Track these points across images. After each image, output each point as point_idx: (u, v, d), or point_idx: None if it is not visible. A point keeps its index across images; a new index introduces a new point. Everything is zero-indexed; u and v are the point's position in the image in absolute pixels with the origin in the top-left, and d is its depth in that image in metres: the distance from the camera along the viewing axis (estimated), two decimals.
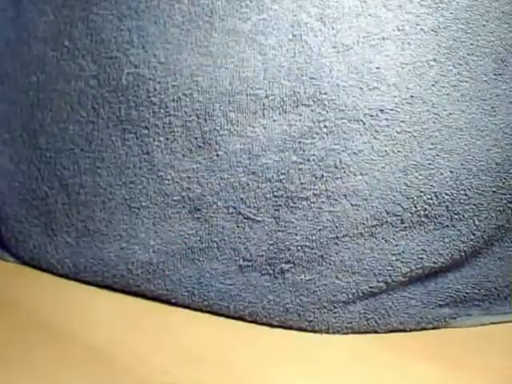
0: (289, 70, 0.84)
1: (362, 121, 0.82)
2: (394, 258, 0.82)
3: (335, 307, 0.83)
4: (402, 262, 0.81)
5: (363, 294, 0.83)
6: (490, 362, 0.77)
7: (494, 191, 0.84)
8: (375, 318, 0.84)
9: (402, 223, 0.82)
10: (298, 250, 0.84)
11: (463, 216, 0.83)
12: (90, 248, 0.93)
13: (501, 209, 0.85)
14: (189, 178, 0.87)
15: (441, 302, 0.85)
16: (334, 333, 0.84)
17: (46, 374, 0.70)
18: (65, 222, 0.95)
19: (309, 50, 0.84)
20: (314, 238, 0.83)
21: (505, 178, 0.84)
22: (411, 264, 0.83)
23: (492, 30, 0.84)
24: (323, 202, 0.83)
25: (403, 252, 0.82)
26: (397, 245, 0.83)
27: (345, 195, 0.82)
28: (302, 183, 0.83)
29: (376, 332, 0.84)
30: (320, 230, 0.83)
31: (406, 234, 0.83)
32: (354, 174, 0.82)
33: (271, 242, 0.84)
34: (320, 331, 0.83)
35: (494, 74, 0.85)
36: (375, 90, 0.82)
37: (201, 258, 0.87)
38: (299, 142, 0.83)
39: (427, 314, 0.84)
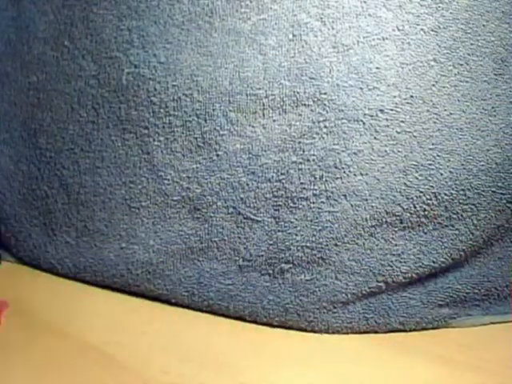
0: (289, 69, 0.84)
1: (361, 121, 0.82)
2: (394, 258, 0.82)
3: (335, 307, 0.83)
4: (401, 262, 0.81)
5: (363, 295, 0.83)
6: (489, 362, 0.77)
7: (493, 191, 0.84)
8: (375, 318, 0.84)
9: (402, 223, 0.82)
10: (298, 250, 0.84)
11: (462, 216, 0.83)
12: (90, 248, 0.93)
13: (500, 209, 0.85)
14: (189, 177, 0.88)
15: (440, 302, 0.85)
16: (333, 333, 0.84)
17: (46, 374, 0.70)
18: (65, 222, 0.95)
19: (309, 50, 0.84)
20: (313, 238, 0.83)
21: (504, 178, 0.84)
22: (411, 264, 0.83)
23: (492, 30, 0.84)
24: (323, 202, 0.83)
25: (402, 252, 0.82)
26: (396, 245, 0.83)
27: (344, 195, 0.82)
28: (301, 183, 0.83)
29: (376, 332, 0.84)
30: (320, 230, 0.83)
31: (406, 234, 0.83)
32: (354, 174, 0.82)
33: (271, 242, 0.84)
34: (320, 331, 0.83)
35: (495, 74, 0.85)
36: (375, 90, 0.82)
37: (200, 258, 0.87)
38: (299, 142, 0.83)
39: (427, 314, 0.84)
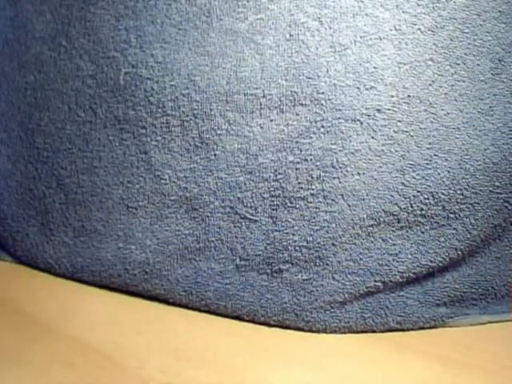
0: (286, 69, 0.84)
1: (359, 120, 0.82)
2: (391, 258, 0.82)
3: (332, 307, 0.83)
4: (398, 261, 0.82)
5: (360, 294, 0.83)
6: (487, 362, 0.77)
7: (490, 190, 0.84)
8: (372, 317, 0.84)
9: (399, 223, 0.83)
10: (296, 250, 0.84)
11: (459, 215, 0.83)
12: (88, 248, 0.93)
13: (497, 208, 0.85)
14: (186, 177, 0.88)
15: (438, 302, 0.85)
16: (331, 332, 0.84)
17: (43, 374, 0.70)
18: (62, 222, 0.95)
19: (306, 49, 0.84)
20: (311, 238, 0.83)
21: (502, 178, 0.84)
22: (408, 263, 0.83)
23: (489, 30, 0.84)
24: (320, 202, 0.83)
25: (400, 252, 0.82)
26: (393, 244, 0.83)
27: (342, 195, 0.82)
28: (299, 183, 0.83)
29: (373, 331, 0.84)
30: (317, 230, 0.83)
31: (403, 234, 0.83)
32: (352, 174, 0.82)
33: (268, 242, 0.84)
34: (317, 331, 0.83)
35: (492, 74, 0.85)
36: (372, 89, 0.82)
37: (198, 258, 0.87)
38: (296, 142, 0.83)
39: (424, 314, 0.84)
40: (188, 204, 0.88)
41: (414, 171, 0.82)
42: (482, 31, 0.84)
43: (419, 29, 0.83)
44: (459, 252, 0.84)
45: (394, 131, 0.82)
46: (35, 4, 0.97)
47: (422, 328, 0.85)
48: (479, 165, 0.83)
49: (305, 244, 0.83)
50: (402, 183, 0.82)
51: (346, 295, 0.83)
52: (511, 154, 0.84)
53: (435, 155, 0.83)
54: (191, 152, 0.88)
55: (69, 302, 0.89)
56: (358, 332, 0.84)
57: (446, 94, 0.83)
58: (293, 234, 0.84)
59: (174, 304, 0.89)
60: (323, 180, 0.83)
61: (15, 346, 0.76)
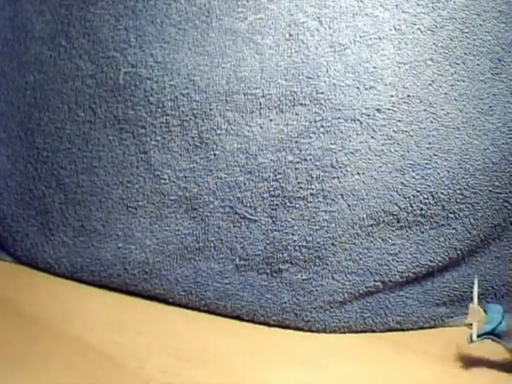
0: (286, 69, 0.84)
1: (358, 120, 0.82)
2: (391, 258, 0.82)
3: (332, 307, 0.83)
4: (398, 261, 0.82)
5: (360, 294, 0.83)
6: (487, 361, 0.77)
7: (490, 190, 0.84)
8: (372, 317, 0.84)
9: (399, 222, 0.83)
10: (295, 250, 0.84)
11: (459, 215, 0.83)
12: (87, 247, 0.93)
13: (497, 208, 0.85)
14: (185, 177, 0.88)
15: (437, 301, 0.85)
16: (330, 332, 0.84)
17: (43, 374, 0.70)
18: (62, 222, 0.95)
19: (306, 49, 0.84)
20: (310, 237, 0.83)
21: (501, 177, 0.84)
22: (407, 263, 0.83)
23: (489, 30, 0.84)
24: (320, 202, 0.83)
25: (399, 251, 0.82)
26: (393, 244, 0.83)
27: (341, 195, 0.82)
28: (298, 183, 0.83)
29: (373, 331, 0.84)
30: (317, 229, 0.83)
31: (403, 234, 0.83)
32: (351, 174, 0.82)
33: (268, 242, 0.84)
34: (317, 331, 0.83)
35: (491, 74, 0.85)
36: (372, 89, 0.82)
37: (197, 258, 0.87)
38: (296, 142, 0.83)
39: (424, 313, 0.84)
40: (188, 204, 0.88)
41: (413, 171, 0.82)
42: (481, 31, 0.84)
43: (419, 29, 0.83)
44: (459, 252, 0.84)
45: (393, 131, 0.82)
46: (35, 4, 0.97)
47: (422, 328, 0.85)
48: (479, 165, 0.83)
49: (304, 244, 0.83)
50: (402, 183, 0.82)
51: (346, 295, 0.83)
52: (511, 153, 0.84)
53: (435, 155, 0.83)
54: (191, 152, 0.88)
55: (69, 302, 0.89)
56: (357, 332, 0.84)
57: (445, 93, 0.83)
58: (292, 234, 0.84)
59: (173, 304, 0.89)
60: (323, 180, 0.83)
61: (15, 346, 0.76)
